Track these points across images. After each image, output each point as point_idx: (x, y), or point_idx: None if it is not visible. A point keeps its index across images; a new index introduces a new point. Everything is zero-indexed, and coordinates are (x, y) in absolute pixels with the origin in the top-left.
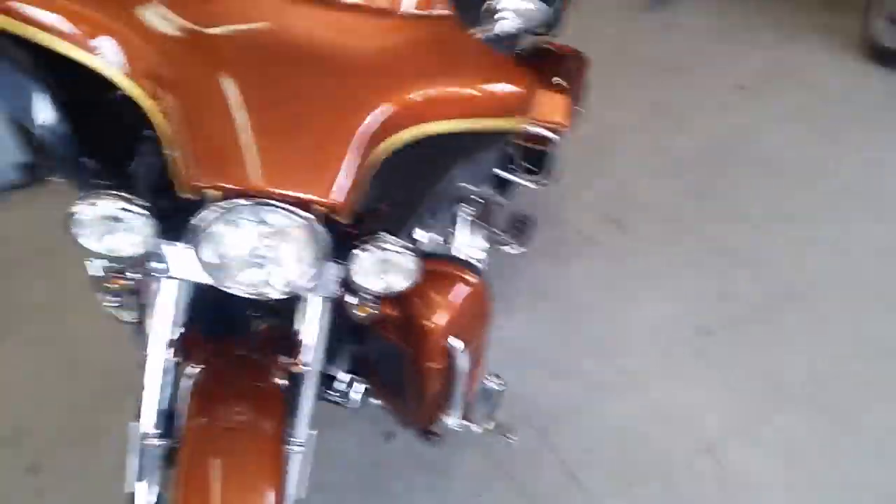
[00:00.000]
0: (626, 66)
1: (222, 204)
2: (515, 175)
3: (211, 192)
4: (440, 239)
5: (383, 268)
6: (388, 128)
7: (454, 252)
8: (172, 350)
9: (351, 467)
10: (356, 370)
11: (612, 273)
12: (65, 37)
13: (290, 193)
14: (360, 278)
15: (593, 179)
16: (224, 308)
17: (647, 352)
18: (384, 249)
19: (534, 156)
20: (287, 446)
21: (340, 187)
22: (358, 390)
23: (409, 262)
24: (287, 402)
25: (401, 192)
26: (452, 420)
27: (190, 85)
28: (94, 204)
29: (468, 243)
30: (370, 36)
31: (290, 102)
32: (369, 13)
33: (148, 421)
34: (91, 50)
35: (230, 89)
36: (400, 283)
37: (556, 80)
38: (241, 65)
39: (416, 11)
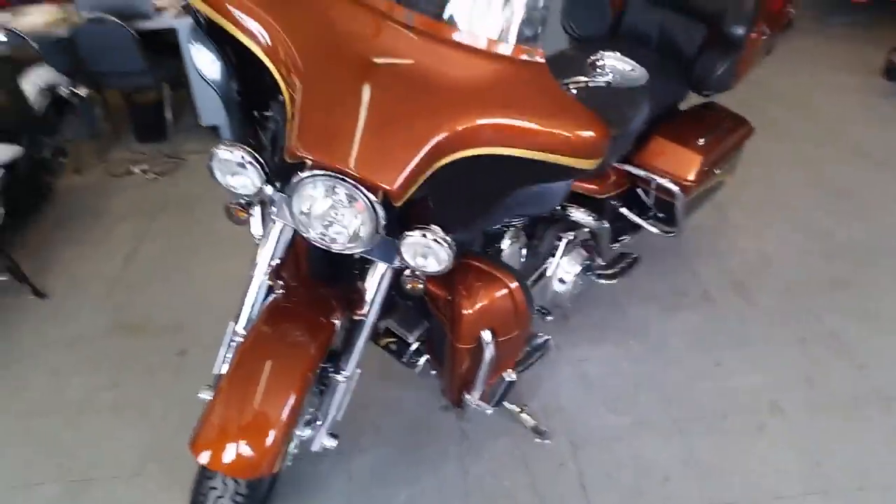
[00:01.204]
0: (830, 146)
1: (309, 172)
2: (643, 219)
3: (306, 160)
4: (521, 251)
5: (423, 251)
6: (456, 143)
7: (507, 259)
8: (268, 275)
9: (403, 421)
10: (423, 341)
11: (713, 333)
12: (238, 26)
13: (358, 174)
14: (406, 255)
15: (742, 242)
16: (326, 259)
17: (708, 411)
18: (426, 237)
19: (668, 206)
20: (336, 375)
21: (399, 179)
22: (422, 357)
23: (443, 252)
24: (344, 340)
25: (466, 196)
26: (471, 398)
27: (311, 75)
28: (227, 150)
29: (563, 264)
30: (464, 68)
31: (381, 107)
32: (470, 51)
33: (241, 323)
34: (252, 37)
35: (338, 86)
36: (434, 266)
37: (701, 140)
38: (351, 68)
39: (510, 55)
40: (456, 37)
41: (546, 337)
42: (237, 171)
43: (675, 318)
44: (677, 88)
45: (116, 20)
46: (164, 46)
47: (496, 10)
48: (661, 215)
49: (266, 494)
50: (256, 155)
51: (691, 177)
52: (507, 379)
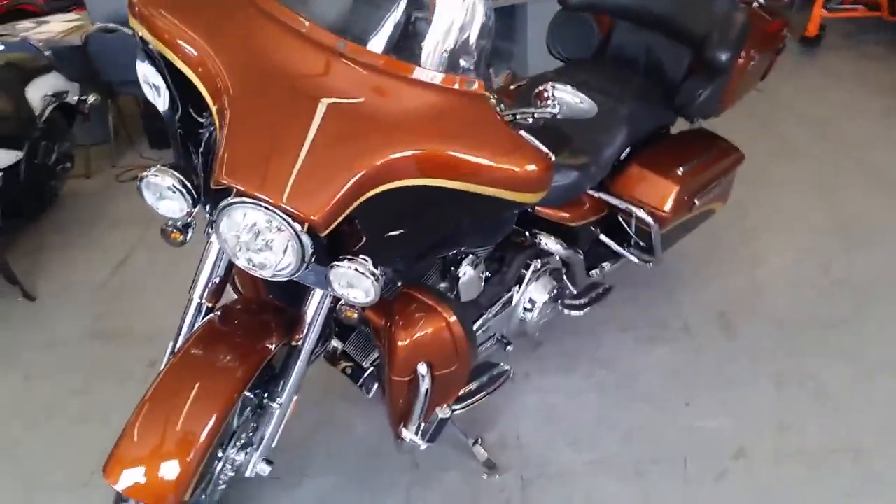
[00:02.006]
0: (847, 171)
1: (233, 199)
2: (624, 247)
3: (230, 187)
4: (480, 278)
5: (351, 281)
6: (386, 174)
7: (466, 286)
8: (204, 297)
9: (356, 446)
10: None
11: (688, 369)
12: (172, 47)
13: (279, 204)
14: (334, 284)
15: (733, 272)
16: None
17: (670, 452)
18: (352, 268)
19: (648, 235)
20: (272, 403)
21: (322, 210)
22: (375, 383)
23: (368, 283)
24: (280, 367)
25: (401, 228)
26: (407, 432)
27: (238, 101)
28: (155, 174)
29: (529, 291)
30: (397, 97)
31: (306, 135)
32: (404, 80)
33: (178, 344)
34: (186, 61)
35: (265, 113)
36: (361, 297)
37: (680, 169)
38: (279, 95)
39: (447, 86)
40: (390, 66)
41: (505, 367)
42: (166, 195)
43: (651, 351)
44: (661, 114)
45: (126, 29)
46: None
47: (433, 39)
48: (641, 244)
49: None
50: (185, 181)
51: (666, 207)
52: (441, 416)
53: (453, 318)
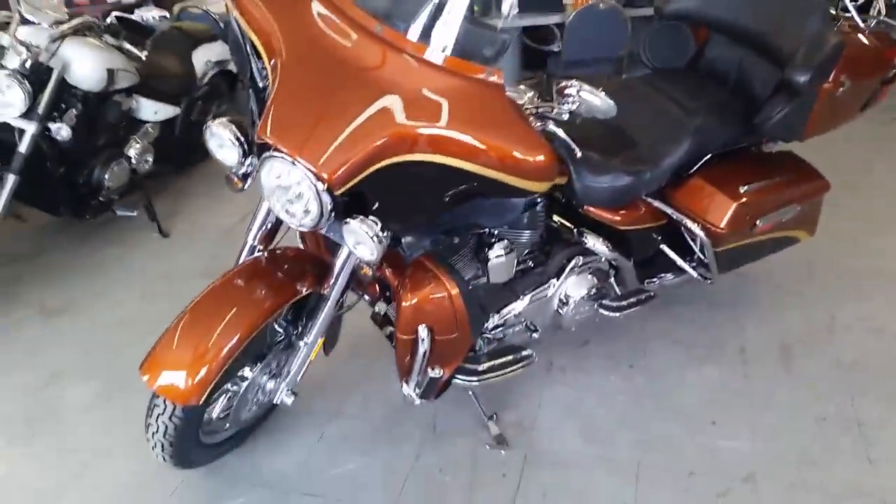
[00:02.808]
0: None
1: (269, 153)
2: (685, 261)
3: (268, 142)
4: (512, 263)
5: (359, 239)
6: (401, 147)
7: (495, 268)
8: (256, 238)
9: (390, 398)
10: None
11: (729, 392)
12: (252, 24)
13: (297, 158)
14: (347, 240)
15: (813, 306)
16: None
17: (679, 463)
18: (360, 227)
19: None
20: (299, 341)
21: (338, 171)
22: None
23: (370, 242)
24: (310, 310)
25: (414, 197)
26: (406, 388)
27: (287, 69)
28: (219, 126)
29: (567, 285)
30: (420, 80)
31: (336, 104)
32: (428, 65)
33: None
34: (259, 34)
35: (306, 81)
36: (366, 254)
37: (744, 187)
38: (321, 68)
39: (468, 73)
40: (417, 50)
41: (529, 352)
42: (225, 144)
43: (698, 369)
44: (737, 130)
45: None
46: None
47: (457, 29)
48: (704, 259)
49: (199, 422)
50: (239, 134)
51: (720, 223)
52: (431, 375)
53: (455, 291)
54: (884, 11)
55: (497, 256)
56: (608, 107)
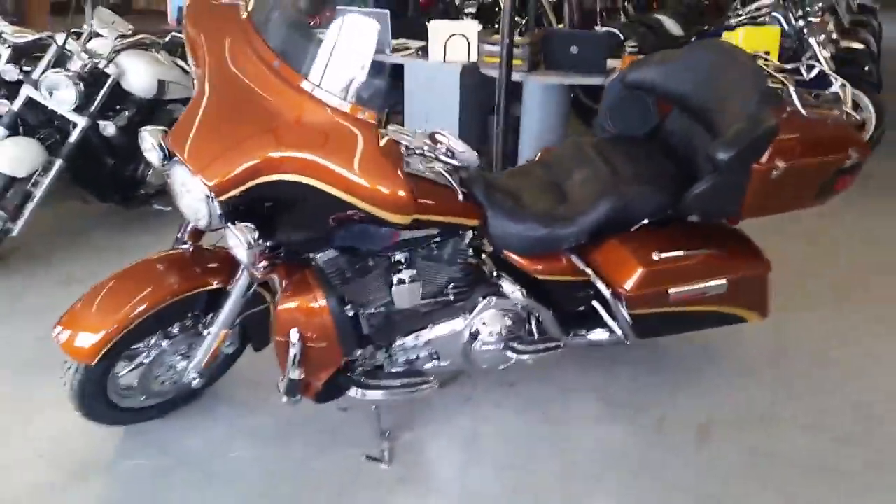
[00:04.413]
0: None
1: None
2: (612, 319)
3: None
4: (415, 292)
5: (234, 242)
6: (278, 166)
7: (399, 293)
8: (185, 233)
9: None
10: None
11: (627, 458)
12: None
13: (189, 165)
14: (228, 241)
15: (761, 390)
16: None
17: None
18: (235, 232)
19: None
20: (203, 330)
21: (218, 179)
22: None
23: (243, 248)
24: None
25: (293, 210)
26: (280, 385)
27: (200, 88)
28: (147, 132)
29: (477, 321)
30: (303, 111)
31: (228, 123)
32: (314, 101)
33: None
34: (192, 45)
35: (209, 100)
36: (241, 257)
37: (657, 255)
38: (225, 93)
39: (346, 111)
40: (306, 86)
41: (430, 380)
42: (148, 149)
43: (608, 426)
44: (666, 201)
45: None
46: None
47: (343, 73)
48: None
49: (102, 381)
50: (161, 141)
51: (626, 286)
52: (290, 376)
53: (323, 304)
54: (849, 102)
55: (400, 282)
56: (470, 156)
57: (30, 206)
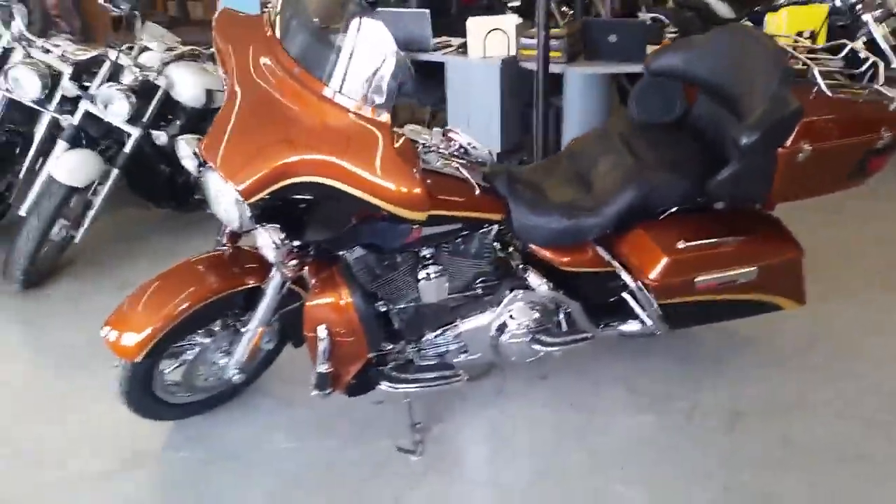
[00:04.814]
0: None
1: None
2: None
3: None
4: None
5: (261, 242)
6: (301, 169)
7: (426, 288)
8: (222, 235)
9: None
10: None
11: (655, 446)
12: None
13: (220, 172)
14: (257, 241)
15: (790, 384)
16: None
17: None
18: (262, 233)
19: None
20: (241, 328)
21: (246, 183)
22: None
23: (271, 248)
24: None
25: (317, 212)
26: (312, 378)
27: (229, 98)
28: (183, 140)
29: (504, 314)
30: (323, 115)
31: (254, 130)
32: (330, 103)
33: None
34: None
35: (238, 110)
36: (269, 256)
37: (682, 243)
38: (251, 101)
39: (362, 113)
40: (325, 92)
41: (459, 373)
42: (186, 156)
43: (636, 416)
44: (693, 189)
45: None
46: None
47: (356, 76)
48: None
49: (148, 377)
50: (196, 149)
51: (651, 276)
52: (318, 370)
53: (348, 301)
54: (881, 80)
55: (425, 278)
56: (482, 152)
57: (90, 215)
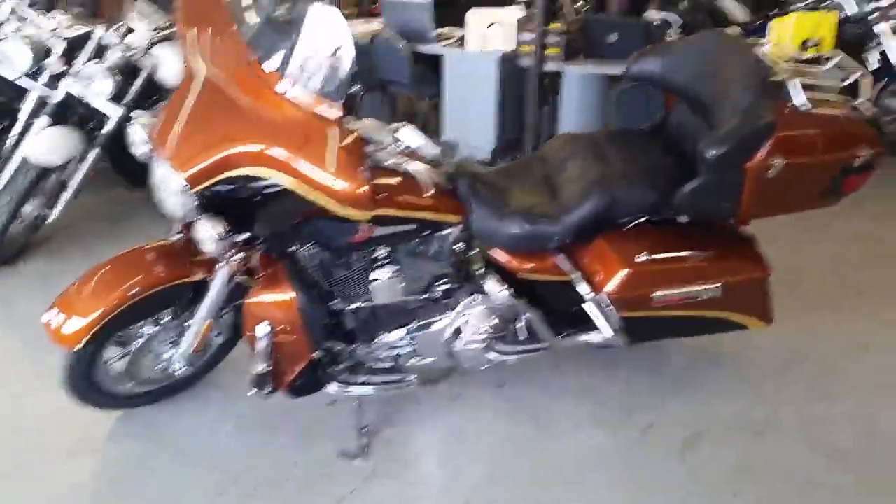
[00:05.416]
0: None
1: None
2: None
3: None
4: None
5: (200, 235)
6: (244, 160)
7: (379, 288)
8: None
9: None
10: None
11: (602, 462)
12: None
13: (167, 160)
14: (198, 234)
15: (759, 401)
16: None
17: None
18: (202, 225)
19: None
20: (189, 319)
21: (190, 171)
22: None
23: (211, 241)
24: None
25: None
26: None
27: (181, 84)
28: (136, 125)
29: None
30: (269, 106)
31: (199, 119)
32: (280, 96)
33: None
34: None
35: (184, 97)
36: (208, 249)
37: (643, 256)
38: (197, 87)
39: (312, 106)
40: (273, 81)
41: (409, 377)
42: (135, 141)
43: (590, 430)
44: (659, 200)
45: (395, 38)
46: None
47: (308, 67)
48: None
49: (88, 366)
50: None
51: (607, 287)
52: (255, 370)
53: (291, 298)
54: (866, 94)
55: (378, 279)
56: (430, 150)
57: (66, 195)
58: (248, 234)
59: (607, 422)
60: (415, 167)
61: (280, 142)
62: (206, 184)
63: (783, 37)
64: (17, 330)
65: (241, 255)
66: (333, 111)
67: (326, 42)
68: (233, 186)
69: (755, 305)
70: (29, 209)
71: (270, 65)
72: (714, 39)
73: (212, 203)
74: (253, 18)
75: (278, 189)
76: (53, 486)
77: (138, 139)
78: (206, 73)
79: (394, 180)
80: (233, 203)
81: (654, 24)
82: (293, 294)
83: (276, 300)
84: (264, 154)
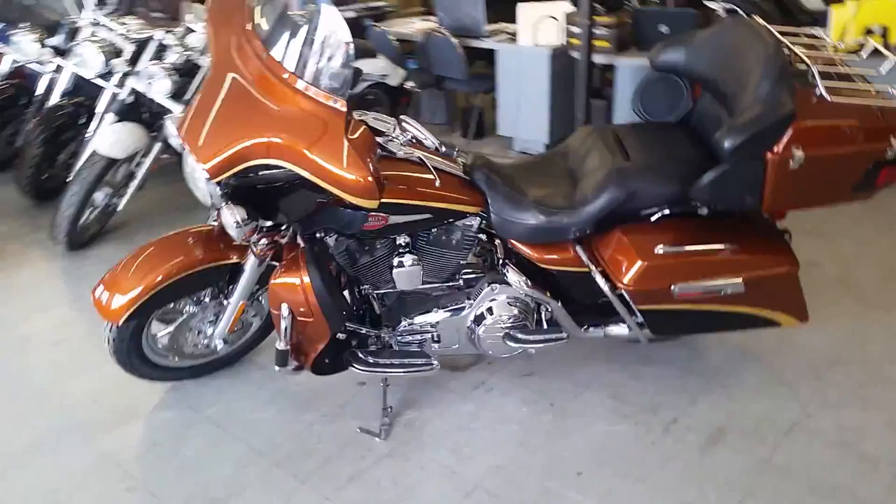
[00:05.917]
0: None
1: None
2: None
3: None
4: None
5: (224, 221)
6: (261, 152)
7: (400, 276)
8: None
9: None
10: None
11: (621, 456)
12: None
13: (191, 152)
14: (223, 220)
15: (788, 403)
16: None
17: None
18: (225, 211)
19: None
20: (225, 300)
21: (212, 162)
22: None
23: (233, 227)
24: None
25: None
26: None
27: (205, 82)
28: (169, 119)
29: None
30: (284, 100)
31: (222, 113)
32: (292, 89)
33: None
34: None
35: (209, 92)
36: (233, 234)
37: (661, 248)
38: (221, 83)
39: (320, 99)
40: (286, 77)
41: (432, 362)
42: (171, 136)
43: (613, 424)
44: (679, 192)
45: (447, 35)
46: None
47: (315, 63)
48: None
49: (135, 339)
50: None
51: (624, 280)
52: (277, 347)
53: (307, 281)
54: None
55: (399, 266)
56: (432, 142)
57: (133, 185)
58: (271, 222)
59: (630, 416)
60: (431, 158)
61: (293, 134)
62: (227, 174)
63: (841, 25)
64: (85, 312)
65: (265, 240)
66: (339, 104)
67: (329, 40)
68: (253, 175)
69: (785, 302)
70: (100, 198)
71: (285, 62)
72: (736, 27)
73: (237, 192)
74: (269, 17)
75: (297, 179)
76: (105, 444)
77: (171, 133)
78: (227, 69)
79: (405, 170)
80: (257, 192)
81: (716, 13)
82: (308, 278)
83: (292, 283)
84: (279, 145)
